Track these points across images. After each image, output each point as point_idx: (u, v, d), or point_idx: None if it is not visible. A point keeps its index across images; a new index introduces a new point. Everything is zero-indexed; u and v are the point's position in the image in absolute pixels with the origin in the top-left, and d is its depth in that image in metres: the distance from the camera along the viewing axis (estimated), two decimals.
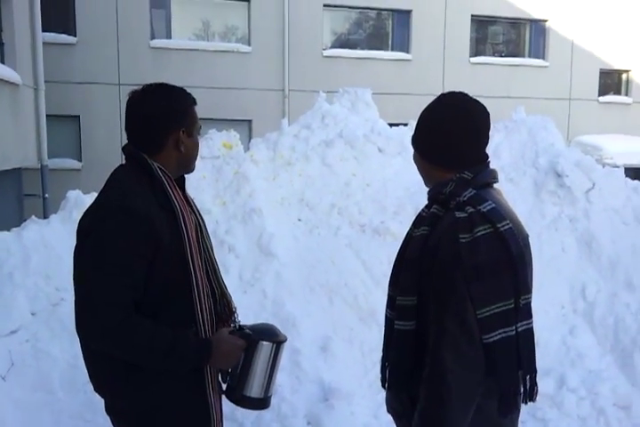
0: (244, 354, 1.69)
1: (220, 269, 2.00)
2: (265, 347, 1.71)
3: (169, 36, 13.67)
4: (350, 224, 4.49)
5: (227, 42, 13.92)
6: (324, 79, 13.08)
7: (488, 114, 1.55)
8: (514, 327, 1.44)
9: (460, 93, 1.57)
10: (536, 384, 1.50)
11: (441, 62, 14.79)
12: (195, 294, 1.65)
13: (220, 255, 3.92)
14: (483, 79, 14.83)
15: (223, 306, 1.82)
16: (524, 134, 5.38)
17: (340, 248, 4.18)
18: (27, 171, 9.40)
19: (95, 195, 1.73)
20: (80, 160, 12.81)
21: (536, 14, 15.06)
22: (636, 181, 5.07)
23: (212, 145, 4.77)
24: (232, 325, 1.83)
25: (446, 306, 1.41)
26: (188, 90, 1.92)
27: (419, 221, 1.61)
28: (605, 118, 15.52)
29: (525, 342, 1.47)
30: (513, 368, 1.44)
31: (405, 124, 5.73)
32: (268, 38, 13.61)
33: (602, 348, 3.99)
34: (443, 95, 1.59)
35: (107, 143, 12.63)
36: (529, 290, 1.49)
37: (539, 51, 15.67)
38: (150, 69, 13.02)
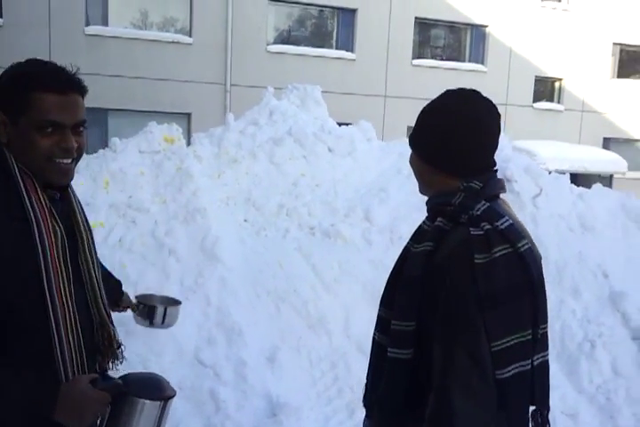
0: (109, 412, 1.30)
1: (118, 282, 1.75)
2: (145, 406, 1.29)
3: (105, 24, 13.01)
4: (299, 226, 4.30)
5: (167, 32, 13.39)
6: (268, 75, 12.80)
7: (499, 115, 1.38)
8: (530, 360, 1.29)
9: (471, 90, 1.39)
10: (548, 422, 1.34)
11: (384, 63, 14.82)
12: (52, 323, 1.30)
13: (159, 259, 3.65)
14: (424, 82, 14.98)
15: (102, 340, 1.46)
16: None
17: (289, 252, 3.99)
18: None
19: None
20: None
21: (477, 19, 15.35)
22: (581, 188, 5.13)
23: (152, 139, 4.46)
24: (107, 369, 1.49)
25: (456, 337, 1.24)
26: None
27: (419, 235, 1.42)
28: (539, 124, 16.03)
29: (540, 376, 1.34)
30: (525, 404, 1.30)
31: (348, 124, 5.60)
32: (211, 30, 13.21)
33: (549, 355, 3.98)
34: (451, 91, 1.39)
35: None
36: (546, 318, 1.34)
37: (478, 55, 15.98)
38: (84, 57, 12.36)
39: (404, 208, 4.73)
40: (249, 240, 3.97)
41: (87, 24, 12.54)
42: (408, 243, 1.46)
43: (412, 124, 1.49)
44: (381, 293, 1.51)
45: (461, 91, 1.39)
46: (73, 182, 1.52)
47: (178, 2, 13.45)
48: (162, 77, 12.80)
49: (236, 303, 3.47)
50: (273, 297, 3.60)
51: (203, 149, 4.93)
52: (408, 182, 5.05)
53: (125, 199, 3.85)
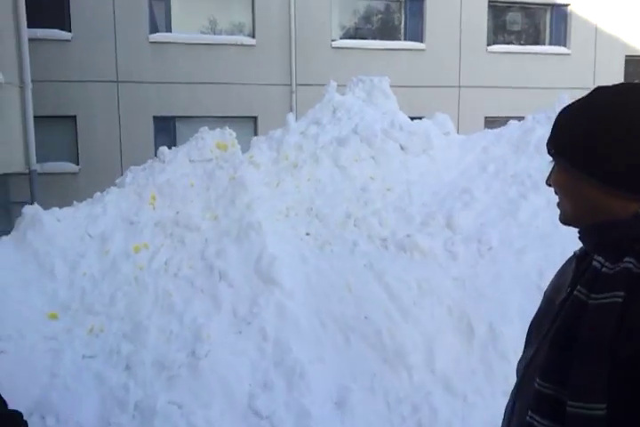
0: None
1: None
2: None
3: (169, 30, 12.96)
4: (369, 238, 3.72)
5: (229, 35, 13.17)
6: (334, 72, 12.25)
7: None
8: None
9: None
10: None
11: (457, 52, 13.97)
12: None
13: (209, 284, 3.19)
14: (501, 69, 14.02)
15: None
16: None
17: (358, 270, 3.42)
18: (17, 176, 8.79)
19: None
20: (77, 163, 12.18)
21: None
22: None
23: (204, 146, 4.02)
24: None
25: None
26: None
27: (599, 280, 1.04)
28: None
29: None
30: None
31: (419, 118, 4.96)
32: (274, 30, 12.86)
33: None
34: (616, 86, 1.09)
35: (105, 145, 12.04)
36: None
37: (560, 38, 14.78)
38: (149, 65, 12.37)
39: (494, 212, 4.05)
40: (311, 258, 3.44)
41: (151, 31, 12.50)
42: (577, 291, 1.07)
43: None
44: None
45: (627, 85, 1.11)
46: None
47: (240, 2, 13.22)
48: (226, 81, 12.60)
49: (298, 336, 2.94)
50: (340, 326, 3.04)
51: (260, 155, 4.46)
52: (495, 181, 4.36)
53: (173, 216, 3.42)
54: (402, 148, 4.42)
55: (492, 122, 13.51)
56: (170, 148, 4.24)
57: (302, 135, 4.67)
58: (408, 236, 3.65)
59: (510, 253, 3.75)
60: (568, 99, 5.07)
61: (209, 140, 4.09)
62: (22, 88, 8.54)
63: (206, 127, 4.25)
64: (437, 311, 3.28)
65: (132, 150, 11.75)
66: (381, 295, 3.27)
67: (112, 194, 3.59)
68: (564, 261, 1.25)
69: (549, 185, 1.12)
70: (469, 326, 3.28)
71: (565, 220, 1.14)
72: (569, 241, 4.32)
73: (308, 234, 3.79)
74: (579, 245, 1.18)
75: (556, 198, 1.11)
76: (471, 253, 3.67)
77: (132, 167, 4.00)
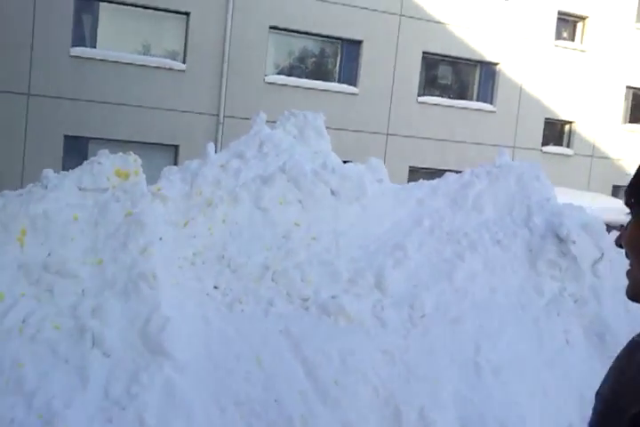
0: None
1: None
2: None
3: (93, 45, 12.14)
4: (288, 297, 3.16)
5: (159, 57, 12.51)
6: (265, 107, 11.82)
7: None
8: None
9: None
10: None
11: (388, 99, 14.01)
12: None
13: (77, 353, 2.48)
14: (429, 120, 14.21)
15: None
16: (511, 184, 4.29)
17: (272, 336, 2.84)
18: None
19: None
20: None
21: (488, 56, 14.63)
22: None
23: (100, 172, 3.36)
24: None
25: None
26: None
27: None
28: (547, 169, 15.03)
29: None
30: None
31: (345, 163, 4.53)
32: (206, 57, 12.35)
33: None
34: None
35: (5, 162, 10.93)
36: None
37: (487, 94, 15.22)
38: (69, 81, 11.46)
39: (427, 272, 3.62)
40: (216, 319, 2.82)
41: (73, 45, 11.64)
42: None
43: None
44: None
45: None
46: None
47: (173, 24, 12.65)
48: (150, 105, 11.87)
49: (188, 425, 2.29)
50: (243, 412, 2.43)
51: (170, 188, 3.84)
52: (430, 238, 3.95)
53: (43, 257, 2.72)
54: (333, 193, 3.94)
55: (415, 172, 13.53)
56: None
57: (222, 169, 4.10)
58: (333, 297, 3.12)
59: (445, 322, 3.30)
60: (508, 153, 4.84)
61: (107, 165, 3.44)
62: None
63: (106, 150, 3.60)
64: (362, 392, 2.74)
65: (36, 171, 10.73)
66: (297, 371, 2.69)
67: None
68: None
69: (620, 246, 0.90)
70: (397, 412, 2.76)
71: (636, 294, 0.86)
72: (506, 311, 3.96)
73: (216, 287, 3.18)
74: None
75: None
76: (402, 320, 3.19)
77: (4, 191, 3.27)
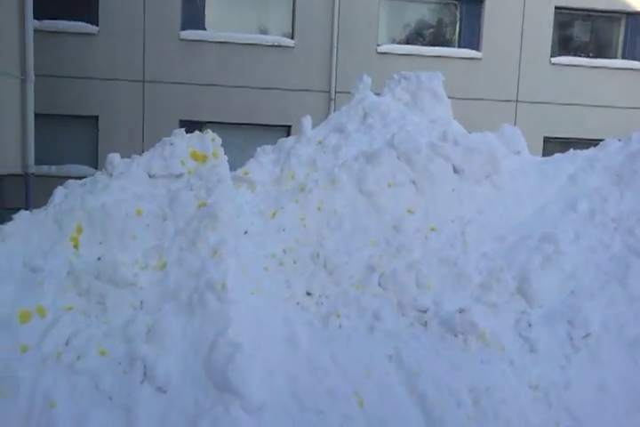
0: None
1: None
2: None
3: (202, 27, 12.03)
4: (399, 308, 2.43)
5: (267, 35, 12.13)
6: (379, 79, 11.08)
7: None
8: None
9: None
10: None
11: (516, 62, 12.63)
12: None
13: (122, 387, 1.87)
14: (565, 84, 12.61)
15: None
16: None
17: (378, 364, 2.13)
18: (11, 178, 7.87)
19: None
20: (96, 167, 11.28)
21: (636, 5, 12.65)
22: None
23: (172, 155, 2.82)
24: None
25: None
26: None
27: None
28: None
29: None
30: None
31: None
32: (315, 31, 11.76)
33: None
34: None
35: (127, 149, 11.11)
36: None
37: (636, 50, 13.26)
38: (180, 64, 11.43)
39: (590, 274, 2.70)
40: (305, 340, 2.16)
41: (182, 28, 11.57)
42: None
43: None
44: None
45: None
46: None
47: (279, 1, 12.19)
48: (259, 86, 11.53)
49: None
50: None
51: (258, 171, 3.24)
52: (590, 226, 3.00)
53: (97, 261, 2.22)
54: (455, 170, 3.11)
55: (551, 143, 12.09)
56: None
57: (319, 146, 3.43)
58: (460, 310, 2.33)
59: (620, 344, 2.39)
60: None
61: (181, 146, 2.88)
62: (23, 80, 7.65)
63: (182, 129, 3.04)
64: None
65: None
66: (412, 415, 1.96)
67: (18, 221, 2.42)
68: None
69: None
70: None
71: None
72: None
73: (308, 294, 2.53)
74: None
75: None
76: (559, 342, 2.34)
77: (69, 181, 2.82)
